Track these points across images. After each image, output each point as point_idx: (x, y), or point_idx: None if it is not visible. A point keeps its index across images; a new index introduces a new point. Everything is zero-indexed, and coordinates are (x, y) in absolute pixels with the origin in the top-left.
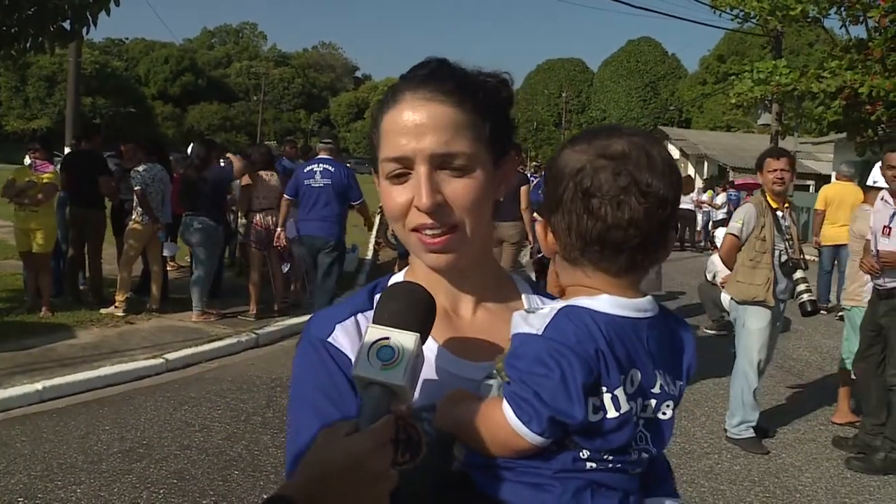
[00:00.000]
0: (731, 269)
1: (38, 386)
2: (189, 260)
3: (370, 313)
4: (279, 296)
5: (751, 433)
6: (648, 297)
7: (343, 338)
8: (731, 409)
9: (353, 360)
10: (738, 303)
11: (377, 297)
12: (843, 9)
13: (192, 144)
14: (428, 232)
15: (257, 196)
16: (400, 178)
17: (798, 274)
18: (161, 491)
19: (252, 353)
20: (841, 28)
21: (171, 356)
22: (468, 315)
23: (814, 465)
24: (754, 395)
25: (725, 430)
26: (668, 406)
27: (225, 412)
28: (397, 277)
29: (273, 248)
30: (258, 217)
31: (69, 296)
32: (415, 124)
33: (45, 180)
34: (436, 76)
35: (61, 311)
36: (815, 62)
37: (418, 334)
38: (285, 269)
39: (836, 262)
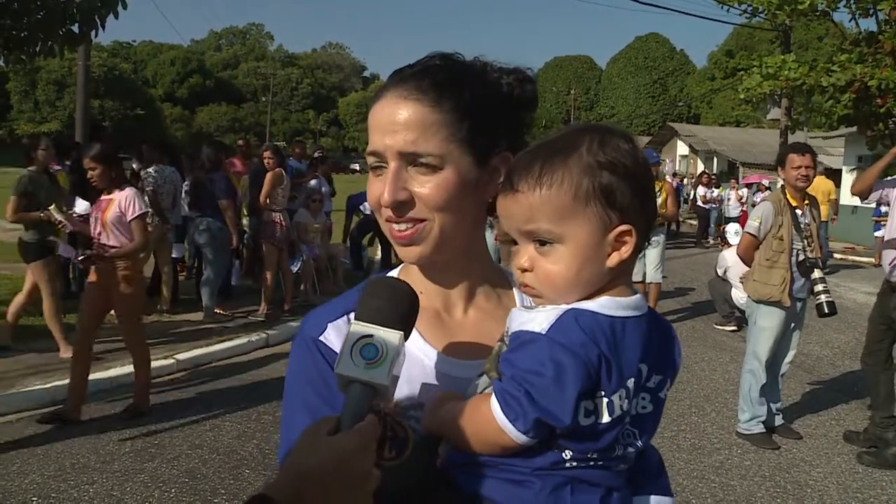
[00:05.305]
0: (749, 268)
1: (50, 387)
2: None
3: None
4: (290, 295)
5: (761, 428)
6: (639, 295)
7: (335, 336)
8: (740, 405)
9: None
10: (754, 301)
11: None
12: (852, 2)
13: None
14: (394, 225)
15: (283, 195)
16: (378, 170)
17: (816, 273)
18: (173, 490)
19: (262, 353)
20: (850, 21)
21: (181, 356)
22: (459, 314)
23: (825, 459)
24: (761, 391)
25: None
26: (653, 401)
27: (236, 411)
28: (391, 275)
29: (284, 248)
30: (278, 216)
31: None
32: (388, 121)
33: None
34: (418, 74)
35: (72, 313)
36: (825, 56)
37: (402, 332)
38: (294, 268)
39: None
